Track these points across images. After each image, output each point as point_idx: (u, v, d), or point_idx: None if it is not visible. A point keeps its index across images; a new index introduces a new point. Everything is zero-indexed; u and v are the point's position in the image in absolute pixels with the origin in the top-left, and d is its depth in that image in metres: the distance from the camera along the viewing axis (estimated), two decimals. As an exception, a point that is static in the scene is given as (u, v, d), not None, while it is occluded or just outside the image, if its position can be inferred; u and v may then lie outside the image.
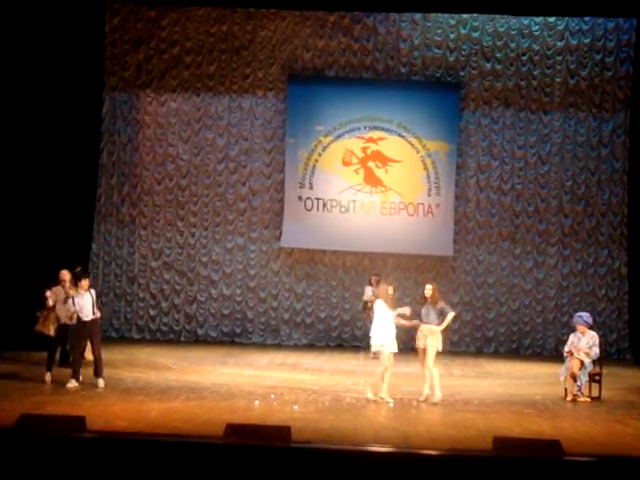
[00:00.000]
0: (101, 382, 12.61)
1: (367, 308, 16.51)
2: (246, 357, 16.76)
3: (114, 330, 19.03)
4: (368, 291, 17.10)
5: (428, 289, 12.39)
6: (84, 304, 12.64)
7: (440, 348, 12.29)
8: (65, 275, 13.30)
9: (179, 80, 19.34)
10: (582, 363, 12.91)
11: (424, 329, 12.23)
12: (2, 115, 15.50)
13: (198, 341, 19.01)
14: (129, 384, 12.85)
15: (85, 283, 12.71)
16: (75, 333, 12.93)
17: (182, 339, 19.19)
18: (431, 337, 12.17)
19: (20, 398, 11.42)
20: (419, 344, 12.29)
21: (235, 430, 6.93)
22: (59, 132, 17.22)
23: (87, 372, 12.89)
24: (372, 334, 12.27)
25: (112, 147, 19.33)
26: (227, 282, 19.39)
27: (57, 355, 13.47)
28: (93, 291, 12.84)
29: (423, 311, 12.34)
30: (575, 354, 12.97)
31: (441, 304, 12.36)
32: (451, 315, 12.31)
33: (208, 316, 19.38)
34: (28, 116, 16.48)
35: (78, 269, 13.65)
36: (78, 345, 12.91)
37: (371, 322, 15.23)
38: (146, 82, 19.33)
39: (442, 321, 12.24)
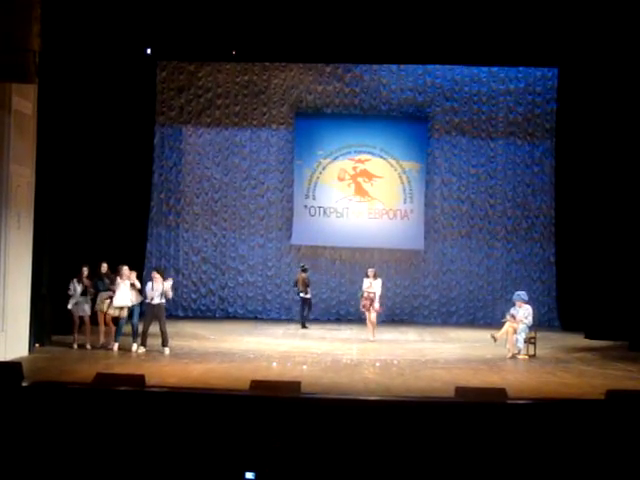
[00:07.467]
0: (167, 350, 12.63)
1: (363, 296, 15.98)
2: (266, 329, 16.84)
3: (165, 310, 18.97)
4: (365, 282, 15.71)
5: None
6: (155, 291, 12.69)
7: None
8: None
9: (212, 118, 19.37)
10: (514, 329, 13.00)
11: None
12: (83, 146, 15.62)
13: (229, 317, 19.07)
14: (177, 350, 12.92)
15: (159, 276, 12.88)
16: (145, 313, 12.92)
17: (217, 316, 19.25)
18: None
19: (96, 361, 11.50)
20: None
21: (258, 385, 6.94)
22: (122, 158, 17.24)
23: (152, 342, 12.88)
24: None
25: (161, 169, 19.37)
26: (250, 272, 19.44)
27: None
28: (168, 283, 12.86)
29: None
30: (512, 323, 13.07)
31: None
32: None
33: (236, 298, 19.41)
34: (100, 147, 16.53)
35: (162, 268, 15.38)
36: (147, 322, 12.86)
37: (367, 309, 15.10)
38: (187, 119, 19.37)
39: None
